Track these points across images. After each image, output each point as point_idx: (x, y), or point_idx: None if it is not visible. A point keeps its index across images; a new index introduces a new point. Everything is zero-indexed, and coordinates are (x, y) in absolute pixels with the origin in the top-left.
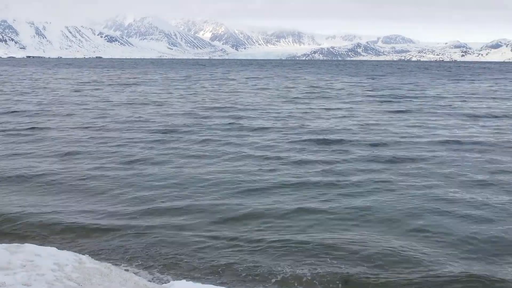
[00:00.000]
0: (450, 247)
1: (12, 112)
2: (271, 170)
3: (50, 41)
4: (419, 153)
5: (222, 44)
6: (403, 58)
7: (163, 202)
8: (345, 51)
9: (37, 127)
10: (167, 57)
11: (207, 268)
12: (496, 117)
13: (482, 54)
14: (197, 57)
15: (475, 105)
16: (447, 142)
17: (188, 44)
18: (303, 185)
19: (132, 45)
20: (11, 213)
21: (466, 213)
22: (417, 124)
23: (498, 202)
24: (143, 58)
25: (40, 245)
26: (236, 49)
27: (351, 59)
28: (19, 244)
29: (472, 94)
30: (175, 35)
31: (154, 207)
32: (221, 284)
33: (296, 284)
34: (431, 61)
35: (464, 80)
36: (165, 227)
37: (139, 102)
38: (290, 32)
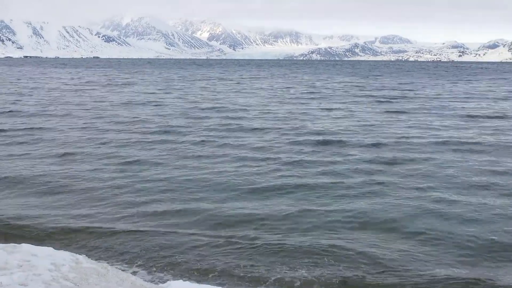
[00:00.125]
0: (448, 250)
1: (9, 112)
2: (269, 171)
3: (48, 41)
4: (417, 154)
5: (220, 44)
6: (400, 58)
7: (160, 203)
8: (343, 51)
9: (34, 128)
10: (164, 57)
11: (205, 269)
12: (493, 117)
13: (479, 54)
14: (194, 57)
15: (472, 106)
16: (445, 143)
17: (186, 44)
18: (302, 187)
19: (130, 45)
20: (7, 215)
21: (465, 215)
22: (415, 125)
23: (496, 205)
24: (141, 58)
25: (37, 245)
26: (234, 49)
27: (349, 59)
28: (15, 244)
29: (470, 94)
30: (173, 35)
31: (152, 208)
32: (219, 284)
33: (294, 285)
34: (428, 61)
35: (461, 80)
36: (163, 228)
37: (136, 103)
38: (287, 32)
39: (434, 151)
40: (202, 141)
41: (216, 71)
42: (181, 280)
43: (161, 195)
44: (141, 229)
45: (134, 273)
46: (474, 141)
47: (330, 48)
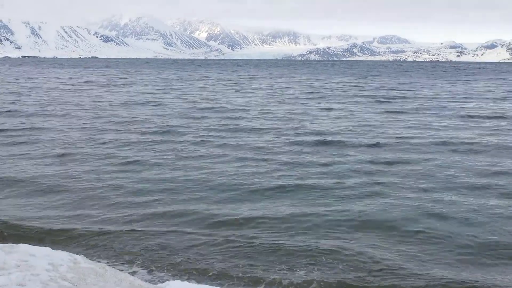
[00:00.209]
0: (447, 250)
1: (7, 112)
2: (268, 172)
3: (46, 41)
4: (416, 154)
5: (218, 44)
6: (398, 58)
7: (159, 204)
8: (341, 51)
9: (33, 128)
10: (162, 57)
11: (203, 268)
12: (492, 117)
13: (477, 55)
14: (192, 57)
15: (471, 106)
16: (444, 143)
17: (184, 44)
18: (301, 187)
19: (128, 45)
20: (5, 215)
21: (464, 216)
22: (414, 125)
23: (496, 205)
24: (139, 58)
25: (35, 245)
26: (232, 49)
27: (347, 59)
28: (13, 244)
29: (469, 94)
30: (171, 35)
31: (151, 208)
32: (217, 284)
33: (292, 285)
34: (426, 62)
35: (460, 80)
36: (161, 228)
37: (135, 103)
38: (286, 32)
39: (433, 151)
40: (201, 141)
41: (214, 71)
42: (179, 280)
43: (160, 195)
44: (140, 229)
45: (132, 273)
46: (473, 141)
47: (328, 48)
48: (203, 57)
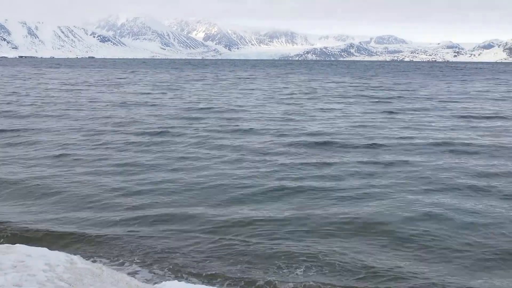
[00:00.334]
0: (446, 256)
1: (3, 112)
2: (265, 173)
3: (43, 41)
4: (414, 156)
5: (215, 44)
6: (395, 58)
7: (156, 205)
8: (338, 51)
9: (29, 129)
10: (159, 57)
11: (200, 270)
12: (490, 118)
13: (474, 55)
14: (190, 57)
15: (468, 106)
16: (441, 144)
17: (181, 44)
18: (298, 189)
19: (125, 45)
20: (1, 217)
21: (462, 220)
22: (411, 126)
23: (494, 209)
24: (136, 58)
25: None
26: (229, 49)
27: (344, 59)
28: (9, 245)
29: (466, 94)
30: (168, 35)
31: (148, 210)
32: (214, 285)
33: None
34: (423, 62)
35: (457, 80)
36: (158, 229)
37: (132, 103)
38: (283, 32)
39: (430, 152)
40: (200, 142)
41: (211, 71)
42: (176, 281)
43: (157, 196)
44: (136, 230)
45: (129, 273)
46: (470, 142)
47: (326, 48)
48: (200, 57)
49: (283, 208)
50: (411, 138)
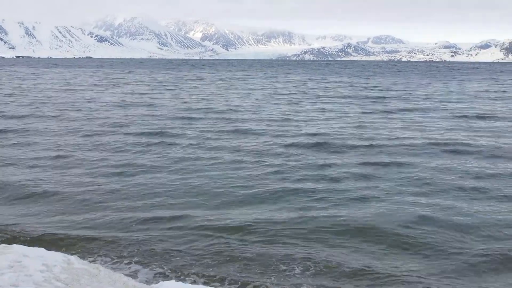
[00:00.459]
0: (441, 259)
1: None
2: (263, 175)
3: (40, 41)
4: (410, 157)
5: (213, 44)
6: (393, 58)
7: (153, 207)
8: (336, 51)
9: (26, 129)
10: (157, 57)
11: (197, 271)
12: (487, 118)
13: (471, 55)
14: (187, 57)
15: (466, 106)
16: (439, 144)
17: (179, 44)
18: (296, 192)
19: (122, 45)
20: None
21: (458, 222)
22: (409, 126)
23: (491, 211)
24: (133, 58)
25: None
26: (227, 49)
27: (341, 59)
28: (6, 245)
29: (464, 94)
30: (166, 35)
31: (145, 211)
32: (210, 286)
33: None
34: (421, 62)
35: (454, 80)
36: (155, 231)
37: (129, 103)
38: (280, 32)
39: (427, 153)
40: (197, 143)
41: (209, 72)
42: (173, 281)
43: (155, 198)
44: (134, 231)
45: (127, 274)
46: (469, 142)
47: (323, 48)
48: (197, 57)
49: (281, 209)
50: (409, 138)
